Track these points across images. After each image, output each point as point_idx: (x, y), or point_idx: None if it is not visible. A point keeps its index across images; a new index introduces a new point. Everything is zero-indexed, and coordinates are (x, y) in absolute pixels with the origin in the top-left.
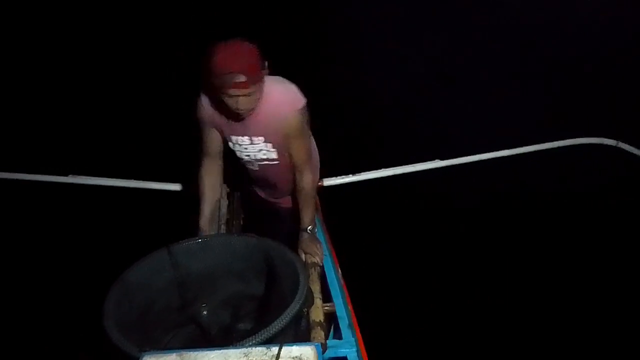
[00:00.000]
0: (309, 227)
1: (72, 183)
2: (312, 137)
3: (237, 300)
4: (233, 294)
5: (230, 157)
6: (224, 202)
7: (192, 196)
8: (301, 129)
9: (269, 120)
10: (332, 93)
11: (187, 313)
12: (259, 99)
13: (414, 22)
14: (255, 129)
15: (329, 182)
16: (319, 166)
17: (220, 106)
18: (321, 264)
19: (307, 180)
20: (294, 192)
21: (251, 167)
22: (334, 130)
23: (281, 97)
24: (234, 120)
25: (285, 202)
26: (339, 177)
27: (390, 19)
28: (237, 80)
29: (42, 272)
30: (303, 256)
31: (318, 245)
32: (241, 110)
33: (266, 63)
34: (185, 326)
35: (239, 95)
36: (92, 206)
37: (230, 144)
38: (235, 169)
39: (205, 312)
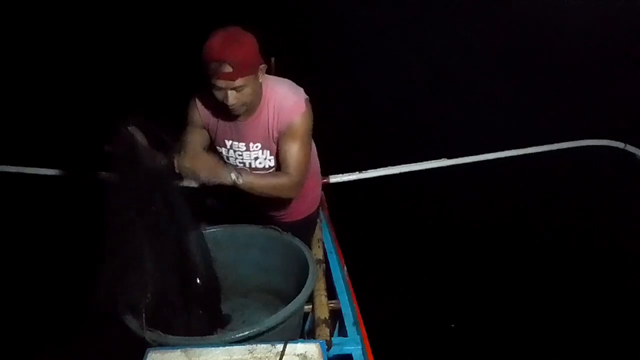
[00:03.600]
0: (236, 175)
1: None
2: (312, 144)
3: (258, 292)
4: (255, 285)
5: None
6: None
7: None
8: (301, 133)
9: (267, 125)
10: (336, 91)
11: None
12: (252, 95)
13: (415, 21)
14: (253, 134)
15: (334, 179)
16: (319, 172)
17: (217, 105)
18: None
19: (289, 181)
20: (295, 203)
21: None
22: (340, 128)
23: (283, 101)
24: (229, 122)
25: (285, 215)
26: (345, 175)
27: (391, 18)
28: (224, 70)
29: (47, 265)
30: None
31: (199, 166)
32: (230, 105)
33: (272, 60)
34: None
35: (226, 88)
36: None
37: (223, 149)
38: None
39: (224, 302)
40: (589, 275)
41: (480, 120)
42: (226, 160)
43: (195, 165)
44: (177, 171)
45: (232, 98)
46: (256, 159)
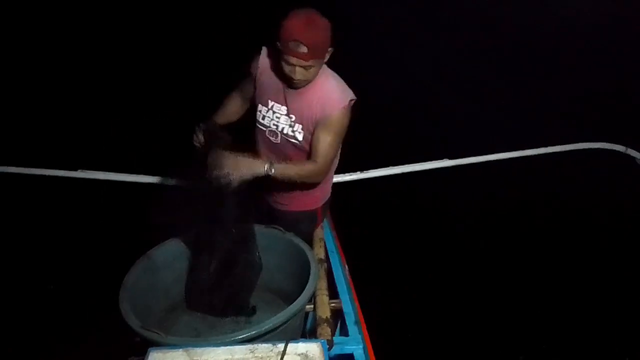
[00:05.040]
0: (268, 166)
1: (82, 178)
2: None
3: (262, 291)
4: (259, 284)
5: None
6: None
7: None
8: (337, 127)
9: (311, 106)
10: None
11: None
12: (315, 74)
13: (416, 21)
14: (296, 107)
15: (335, 179)
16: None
17: (277, 68)
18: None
19: (313, 167)
20: (301, 194)
21: (273, 138)
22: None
23: (332, 94)
24: (281, 85)
25: (292, 204)
26: (346, 174)
27: (392, 19)
28: (299, 50)
29: (51, 266)
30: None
31: (231, 163)
32: (295, 80)
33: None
34: (202, 310)
35: (296, 65)
36: (102, 201)
37: (263, 108)
38: None
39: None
40: (588, 278)
41: (480, 121)
42: (261, 119)
43: (229, 164)
44: (212, 171)
45: (299, 74)
46: (290, 126)
